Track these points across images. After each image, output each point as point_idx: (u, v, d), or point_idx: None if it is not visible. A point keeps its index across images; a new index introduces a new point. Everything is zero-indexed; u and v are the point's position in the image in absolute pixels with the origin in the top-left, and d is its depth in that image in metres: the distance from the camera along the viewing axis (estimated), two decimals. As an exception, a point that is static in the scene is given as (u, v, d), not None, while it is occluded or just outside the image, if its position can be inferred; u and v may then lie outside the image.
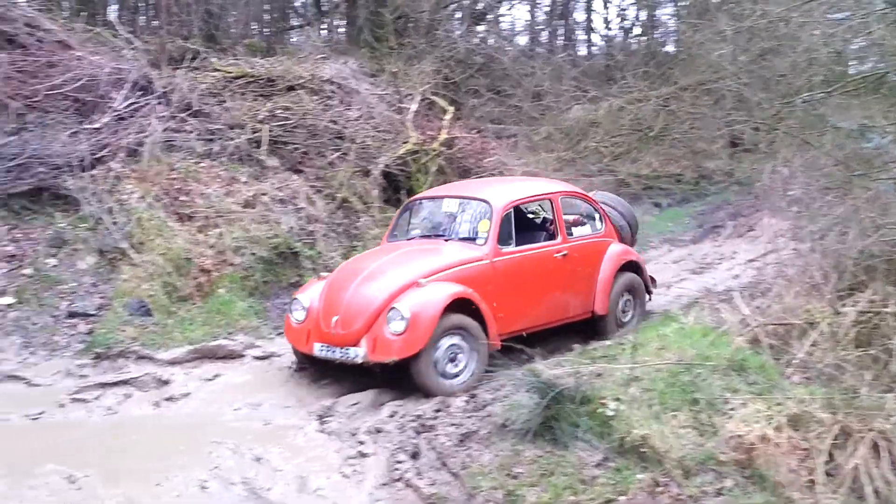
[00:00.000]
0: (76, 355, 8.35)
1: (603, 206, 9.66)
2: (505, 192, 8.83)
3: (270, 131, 12.18)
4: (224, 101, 12.65)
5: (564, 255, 8.71)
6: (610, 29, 24.21)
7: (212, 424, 7.08)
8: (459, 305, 7.63)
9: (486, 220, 8.27)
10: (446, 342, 7.52)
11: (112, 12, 16.85)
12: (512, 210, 8.47)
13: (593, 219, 9.41)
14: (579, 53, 23.36)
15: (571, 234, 8.98)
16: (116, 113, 11.38)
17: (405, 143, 13.00)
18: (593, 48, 24.30)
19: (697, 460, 5.71)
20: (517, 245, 8.37)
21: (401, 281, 7.73)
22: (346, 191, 11.84)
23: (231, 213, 10.52)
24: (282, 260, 10.39)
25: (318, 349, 7.68)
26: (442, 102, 14.84)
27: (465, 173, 13.41)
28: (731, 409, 6.09)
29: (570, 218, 9.29)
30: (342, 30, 20.17)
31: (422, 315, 7.36)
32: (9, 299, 8.86)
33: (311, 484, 6.13)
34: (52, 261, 9.45)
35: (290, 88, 13.34)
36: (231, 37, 17.26)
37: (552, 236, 8.83)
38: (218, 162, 11.45)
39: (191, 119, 11.95)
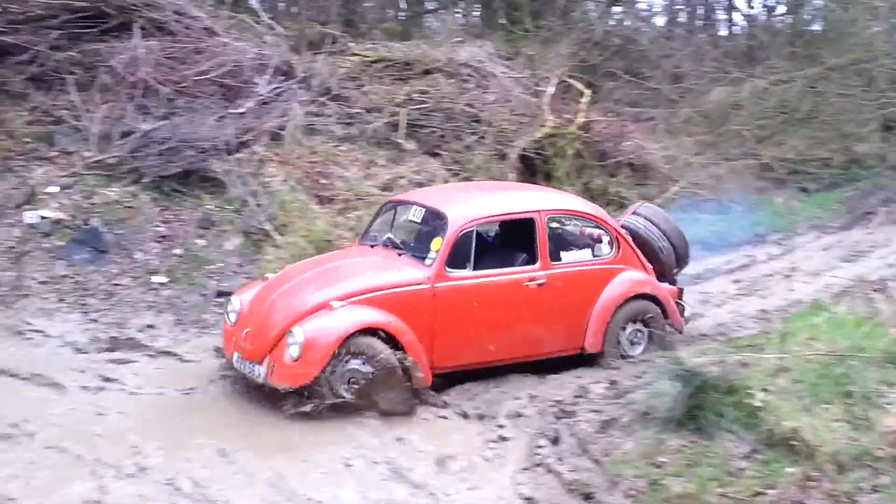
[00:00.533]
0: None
1: (642, 223, 8.69)
2: (472, 206, 7.79)
3: (408, 115, 12.38)
4: (362, 86, 12.93)
5: (541, 283, 7.61)
6: (752, 7, 23.47)
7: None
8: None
9: (439, 238, 7.39)
10: (350, 367, 6.85)
11: (254, -1, 17.35)
12: (473, 229, 7.46)
13: (599, 242, 8.23)
14: (720, 33, 22.75)
15: (559, 260, 7.82)
16: (260, 97, 11.80)
17: (542, 126, 12.98)
18: (734, 28, 23.60)
19: (852, 455, 5.54)
20: (476, 269, 7.41)
21: (315, 300, 7.09)
22: (483, 174, 11.93)
23: (370, 196, 10.77)
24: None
25: (235, 359, 7.22)
26: (578, 85, 14.73)
27: (602, 157, 13.34)
28: (888, 404, 5.89)
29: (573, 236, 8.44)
30: (477, 13, 20.25)
31: (316, 344, 6.74)
32: (162, 278, 9.35)
33: (452, 466, 6.25)
34: (201, 241, 9.91)
35: (427, 72, 13.50)
36: (368, 21, 17.57)
37: (533, 260, 7.72)
38: (357, 145, 11.73)
39: (330, 103, 12.29)
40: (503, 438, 6.61)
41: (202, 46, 12.30)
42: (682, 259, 8.89)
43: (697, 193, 13.24)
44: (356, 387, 6.79)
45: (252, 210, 10.18)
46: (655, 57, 18.57)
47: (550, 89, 14.00)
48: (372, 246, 8.02)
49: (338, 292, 7.13)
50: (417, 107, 12.63)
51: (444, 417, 7.04)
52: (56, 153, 10.78)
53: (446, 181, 11.51)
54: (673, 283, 8.80)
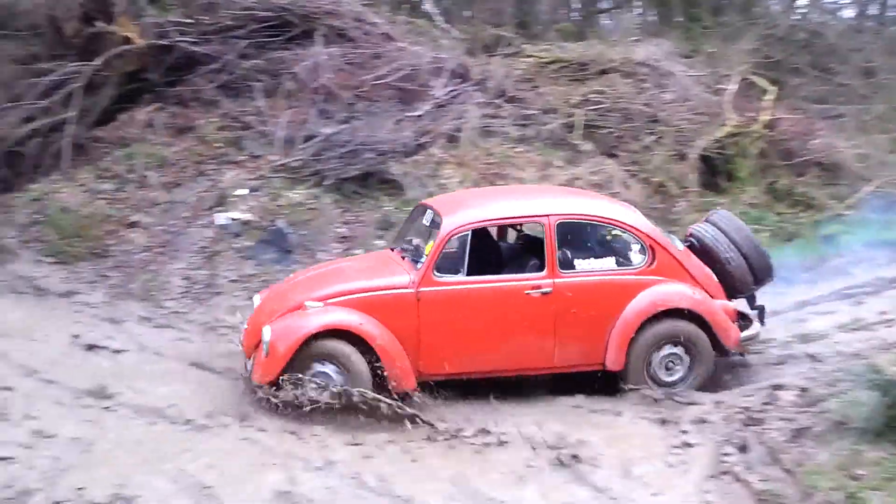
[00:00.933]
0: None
1: (710, 231, 7.91)
2: (472, 210, 7.50)
3: (584, 116, 12.31)
4: (538, 87, 12.95)
5: (546, 292, 7.13)
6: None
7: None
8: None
9: (432, 242, 7.18)
10: (316, 370, 6.83)
11: (428, 3, 17.68)
12: (468, 233, 7.16)
13: (629, 250, 7.53)
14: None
15: (571, 268, 7.27)
16: (436, 101, 12.02)
17: (723, 125, 12.62)
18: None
19: None
20: (475, 275, 7.13)
21: (295, 301, 7.14)
22: (662, 175, 11.72)
23: (546, 198, 10.76)
24: (600, 245, 10.48)
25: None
26: (762, 82, 14.23)
27: (788, 156, 12.82)
28: None
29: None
30: (654, 11, 19.91)
31: (278, 343, 6.76)
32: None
33: (635, 470, 6.16)
34: (380, 242, 10.16)
35: (603, 72, 13.38)
36: (541, 23, 17.59)
37: (542, 267, 7.25)
38: (532, 147, 11.76)
39: (506, 105, 12.37)
40: (687, 445, 6.44)
41: (380, 52, 12.67)
42: (759, 273, 7.88)
43: (894, 193, 12.52)
44: (327, 391, 6.68)
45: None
46: (844, 51, 17.70)
47: (732, 87, 13.59)
48: (392, 249, 8.01)
49: (319, 293, 7.15)
50: (594, 107, 12.53)
51: (626, 421, 6.93)
52: (244, 157, 11.35)
53: (624, 183, 11.38)
54: (752, 300, 8.01)
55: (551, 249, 7.18)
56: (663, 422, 6.88)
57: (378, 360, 6.87)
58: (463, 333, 7.12)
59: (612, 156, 11.96)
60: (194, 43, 12.60)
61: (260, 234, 10.17)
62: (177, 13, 13.71)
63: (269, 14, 12.99)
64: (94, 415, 6.59)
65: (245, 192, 10.68)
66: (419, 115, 11.73)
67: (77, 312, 8.99)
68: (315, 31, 12.77)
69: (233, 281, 9.61)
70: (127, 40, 12.33)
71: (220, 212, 10.39)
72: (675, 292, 7.30)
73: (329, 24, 12.93)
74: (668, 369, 7.37)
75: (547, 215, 7.25)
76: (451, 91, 12.20)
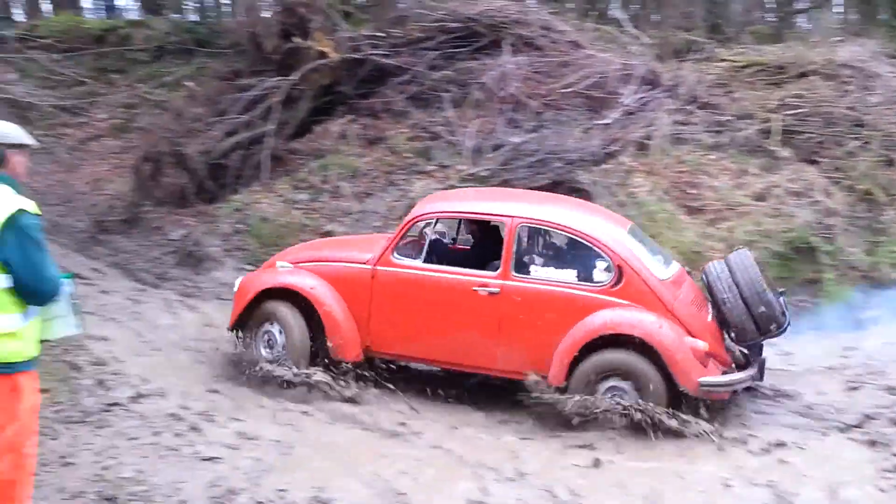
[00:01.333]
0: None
1: (718, 269, 7.34)
2: (444, 202, 7.96)
3: (782, 121, 11.86)
4: (732, 92, 12.58)
5: (493, 293, 7.04)
6: None
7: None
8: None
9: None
10: (265, 328, 7.59)
11: (616, 9, 17.56)
12: (432, 222, 7.49)
13: (593, 266, 7.06)
14: None
15: (527, 273, 7.08)
16: (625, 108, 11.90)
17: (936, 128, 11.87)
18: None
19: None
20: (429, 263, 7.27)
21: (275, 260, 8.02)
22: (868, 182, 11.12)
23: (741, 206, 10.46)
24: (797, 255, 10.07)
25: None
26: (980, 82, 13.30)
27: None
28: None
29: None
30: (855, 10, 19.00)
31: (240, 292, 7.68)
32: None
33: (843, 494, 5.86)
34: (568, 251, 10.14)
35: (802, 75, 12.83)
36: (735, 25, 17.09)
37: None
38: (727, 153, 11.43)
39: (698, 111, 12.08)
40: (900, 468, 6.10)
41: (568, 60, 12.68)
42: (761, 322, 7.12)
43: None
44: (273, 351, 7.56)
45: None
46: None
47: (950, 87, 12.76)
48: None
49: (296, 256, 7.91)
50: (792, 112, 12.04)
51: (830, 441, 6.63)
52: (433, 167, 11.61)
53: (825, 191, 10.87)
54: (757, 349, 7.28)
55: (507, 251, 7.10)
56: (872, 443, 6.54)
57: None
58: (410, 317, 7.29)
59: (812, 162, 11.45)
60: (385, 56, 13.03)
61: (448, 241, 10.34)
62: (369, 27, 14.25)
63: (458, 25, 13.27)
64: (293, 419, 6.86)
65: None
66: (608, 123, 11.65)
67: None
68: (503, 40, 12.93)
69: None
70: (322, 55, 12.88)
71: (410, 220, 10.63)
72: (631, 318, 6.80)
73: (517, 33, 13.07)
74: (616, 389, 6.82)
75: (511, 217, 7.20)
76: (641, 98, 12.04)
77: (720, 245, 9.86)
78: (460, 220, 8.20)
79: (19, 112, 12.80)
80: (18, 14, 19.13)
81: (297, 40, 12.98)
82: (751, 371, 7.12)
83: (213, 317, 9.30)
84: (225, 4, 19.68)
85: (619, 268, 6.93)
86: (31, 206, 4.07)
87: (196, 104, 13.60)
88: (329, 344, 7.34)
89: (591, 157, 11.07)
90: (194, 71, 15.40)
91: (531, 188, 10.79)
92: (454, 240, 8.41)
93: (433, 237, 7.54)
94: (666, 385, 6.70)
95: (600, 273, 7.02)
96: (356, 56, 13.04)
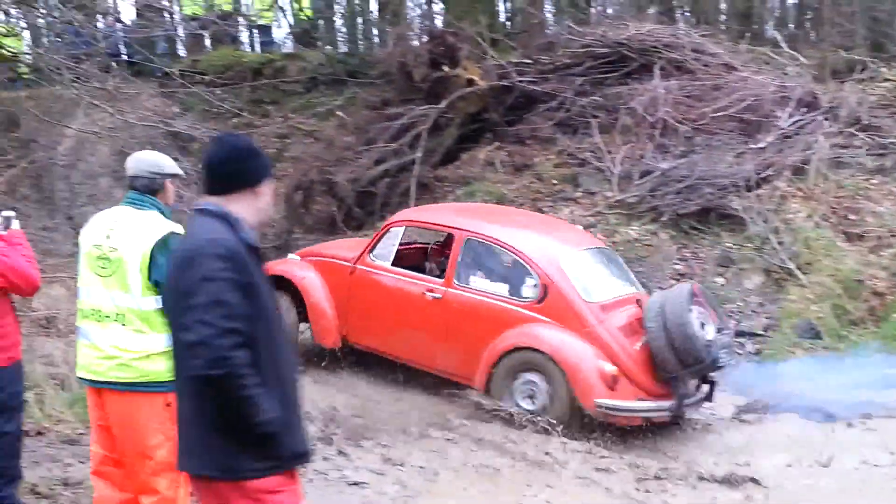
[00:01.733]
0: (745, 374, 8.62)
1: (658, 299, 7.39)
2: (416, 212, 9.23)
3: (951, 143, 11.30)
4: (896, 113, 12.07)
5: (436, 297, 7.72)
6: None
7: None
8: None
9: None
10: None
11: (772, 29, 17.11)
12: (402, 229, 8.29)
13: (523, 283, 7.52)
14: None
15: (467, 283, 7.65)
16: (781, 131, 11.57)
17: None
18: None
19: None
20: (398, 266, 8.10)
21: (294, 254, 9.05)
22: None
23: (906, 233, 10.00)
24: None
25: None
26: None
27: None
28: None
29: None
30: None
31: None
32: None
33: None
34: (720, 279, 9.94)
35: (974, 94, 12.23)
36: (900, 43, 16.37)
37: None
38: (891, 178, 10.97)
39: (860, 133, 11.63)
40: None
41: (721, 83, 12.44)
42: (683, 357, 7.10)
43: None
44: None
45: (773, 248, 9.98)
46: None
47: None
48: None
49: (310, 251, 8.93)
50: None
51: None
52: (580, 193, 11.58)
53: None
54: (671, 383, 7.24)
55: (452, 261, 7.78)
56: None
57: None
58: (377, 314, 8.09)
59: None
60: (533, 82, 13.10)
61: (595, 269, 10.28)
62: (517, 54, 14.35)
63: (607, 50, 13.22)
64: (438, 445, 6.94)
65: (579, 228, 10.85)
66: (762, 147, 11.34)
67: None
68: (653, 64, 12.78)
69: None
70: (470, 83, 13.06)
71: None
72: (543, 335, 7.28)
73: (667, 56, 12.91)
74: (531, 398, 7.30)
75: (460, 230, 7.90)
76: (798, 120, 11.68)
77: (883, 273, 9.48)
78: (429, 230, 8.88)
79: (180, 144, 13.47)
80: (180, 49, 20.19)
81: (446, 69, 13.20)
82: (666, 403, 7.19)
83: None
84: (375, 36, 20.22)
85: (546, 286, 7.39)
86: (180, 229, 4.29)
87: (346, 133, 14.00)
88: (311, 328, 8.28)
89: (744, 183, 10.80)
90: (345, 101, 15.85)
91: (680, 215, 10.68)
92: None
93: (406, 242, 8.43)
94: (569, 399, 7.12)
95: (528, 289, 7.53)
96: (504, 83, 13.15)
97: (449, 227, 8.18)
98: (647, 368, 7.28)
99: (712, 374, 7.54)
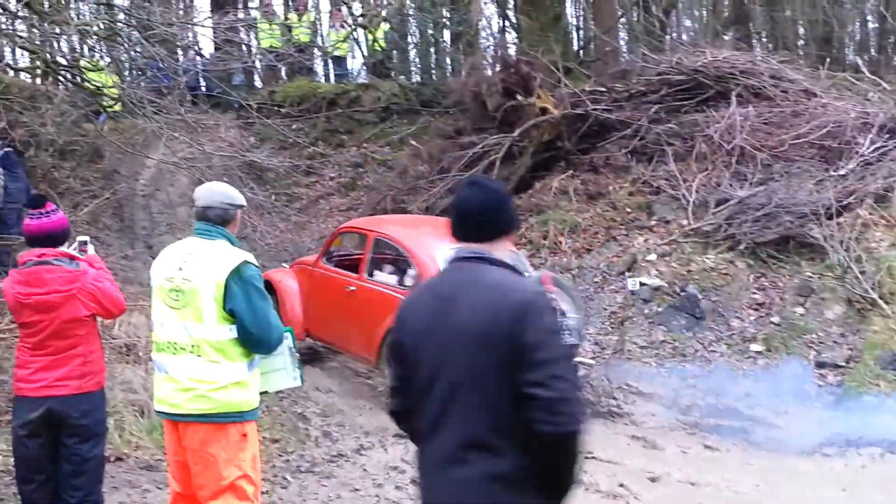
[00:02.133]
0: (826, 407, 8.47)
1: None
2: (357, 220, 11.01)
3: None
4: None
5: (353, 290, 8.94)
6: None
7: None
8: None
9: None
10: None
11: (853, 55, 16.88)
12: (344, 233, 10.07)
13: (406, 273, 8.77)
14: None
15: (371, 276, 8.93)
16: (863, 158, 11.38)
17: None
18: None
19: None
20: (336, 266, 9.40)
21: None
22: None
23: None
24: None
25: None
26: None
27: None
28: None
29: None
30: None
31: None
32: (759, 346, 9.42)
33: None
34: (800, 309, 9.77)
35: None
36: None
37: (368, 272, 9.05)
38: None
39: (947, 160, 11.34)
40: None
41: (800, 109, 12.30)
42: None
43: None
44: None
45: (856, 277, 9.78)
46: None
47: None
48: None
49: (299, 259, 10.53)
50: None
51: None
52: (655, 222, 11.51)
53: None
54: None
55: (364, 257, 9.08)
56: None
57: None
58: (321, 307, 9.33)
59: None
60: (607, 110, 13.10)
61: (670, 299, 10.21)
62: (590, 83, 14.38)
63: (683, 77, 13.16)
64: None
65: (654, 257, 10.80)
66: (843, 175, 11.16)
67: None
68: (730, 91, 12.69)
69: (642, 347, 9.74)
70: (543, 111, 13.12)
71: (630, 277, 10.58)
72: None
73: (744, 83, 12.81)
74: None
75: (371, 231, 9.25)
76: (880, 147, 11.46)
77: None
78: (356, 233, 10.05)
79: (256, 175, 13.79)
80: (257, 81, 20.67)
81: (520, 97, 13.29)
82: None
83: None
84: (448, 65, 20.44)
85: (421, 275, 8.36)
86: (251, 257, 4.41)
87: (420, 162, 14.17)
88: (291, 322, 9.13)
89: (825, 211, 10.61)
90: (419, 130, 16.05)
91: (758, 243, 10.55)
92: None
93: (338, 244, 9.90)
94: None
95: (410, 279, 8.67)
96: (577, 111, 13.17)
97: (364, 229, 9.53)
98: None
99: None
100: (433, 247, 8.41)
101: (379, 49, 18.48)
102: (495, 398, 2.79)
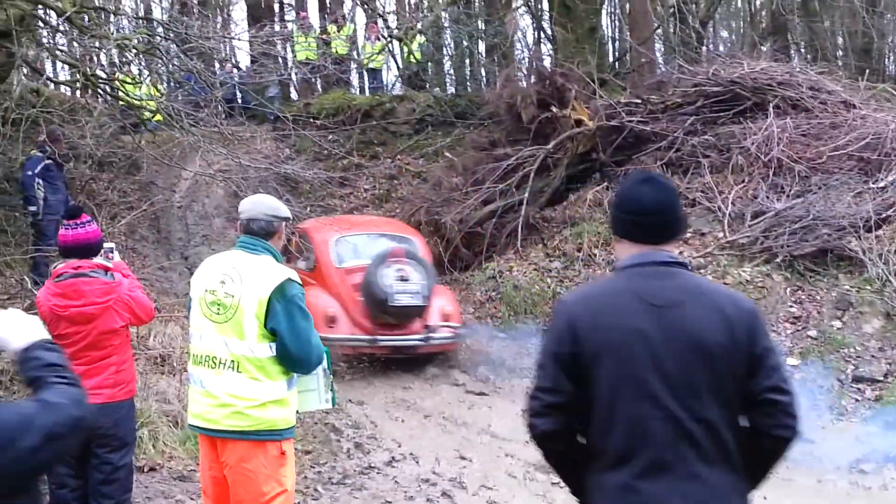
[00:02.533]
0: (863, 422, 8.37)
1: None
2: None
3: None
4: None
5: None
6: None
7: None
8: None
9: None
10: None
11: (893, 66, 16.73)
12: (295, 232, 10.66)
13: (309, 259, 10.69)
14: None
15: (296, 265, 10.04)
16: (903, 171, 11.24)
17: None
18: None
19: None
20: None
21: None
22: None
23: None
24: None
25: None
26: None
27: None
28: None
29: None
30: None
31: None
32: (795, 360, 9.33)
33: None
34: (837, 323, 9.67)
35: None
36: None
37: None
38: None
39: None
40: None
41: (839, 121, 12.19)
42: (368, 299, 10.02)
43: None
44: None
45: (894, 290, 9.67)
46: None
47: None
48: None
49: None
50: None
51: None
52: (690, 234, 11.45)
53: None
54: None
55: (297, 250, 10.67)
56: None
57: None
58: None
59: None
60: (642, 122, 13.09)
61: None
62: (626, 94, 14.37)
63: (719, 89, 13.11)
64: (544, 488, 6.94)
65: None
66: (882, 187, 11.04)
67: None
68: (767, 103, 12.61)
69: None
70: (578, 123, 13.13)
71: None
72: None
73: (782, 94, 12.73)
74: None
75: (301, 228, 10.85)
76: (922, 159, 11.35)
77: None
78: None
79: (291, 186, 13.91)
80: (292, 93, 20.89)
81: (554, 109, 13.32)
82: (366, 337, 9.94)
83: (464, 384, 9.65)
84: (483, 77, 20.51)
85: (317, 259, 10.50)
86: (294, 275, 4.34)
87: (454, 174, 14.23)
88: None
89: (864, 223, 10.50)
90: (453, 142, 16.13)
91: (795, 256, 10.46)
92: None
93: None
94: None
95: (310, 263, 10.57)
96: (612, 123, 13.17)
97: (299, 228, 10.77)
98: (364, 313, 10.01)
99: (422, 318, 10.08)
100: (330, 234, 10.70)
101: (414, 61, 18.60)
102: (733, 407, 2.75)
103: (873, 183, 11.18)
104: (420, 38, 18.33)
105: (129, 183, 14.17)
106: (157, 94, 11.76)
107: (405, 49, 18.33)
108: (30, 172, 10.11)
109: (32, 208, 10.18)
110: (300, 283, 4.38)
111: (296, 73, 17.79)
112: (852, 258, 10.27)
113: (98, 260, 5.09)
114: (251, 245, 4.37)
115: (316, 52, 17.10)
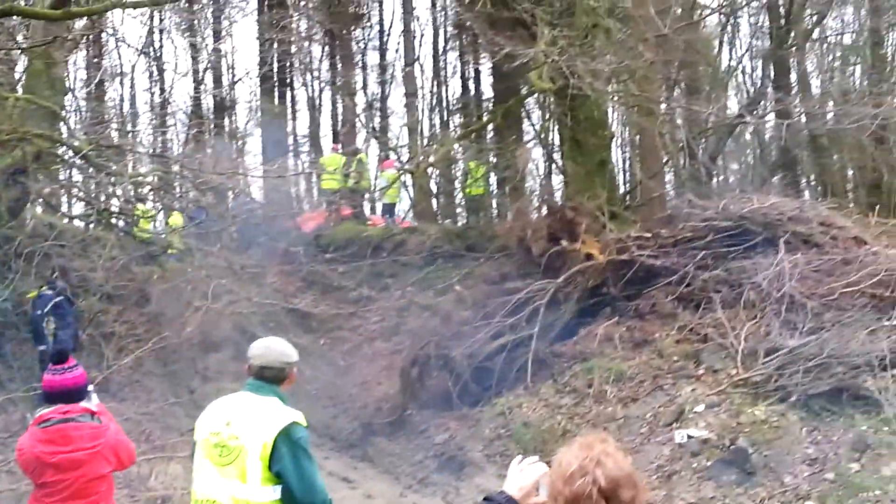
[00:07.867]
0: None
1: None
2: None
3: None
4: None
5: None
6: None
7: None
8: None
9: None
10: None
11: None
12: None
13: None
14: None
15: None
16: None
17: None
18: None
19: None
20: None
21: None
22: None
23: None
24: None
25: None
26: None
27: None
28: None
29: None
30: None
31: None
32: (813, 504, 9.18)
33: None
34: (855, 465, 9.54)
35: None
36: None
37: None
38: None
39: None
40: None
41: (850, 257, 12.30)
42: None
43: None
44: None
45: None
46: None
47: None
48: None
49: None
50: None
51: None
52: (703, 371, 11.44)
53: None
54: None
55: None
56: None
57: None
58: None
59: None
60: (653, 256, 13.22)
61: (719, 453, 10.04)
62: (636, 228, 14.57)
63: (729, 224, 13.28)
64: None
65: (702, 407, 10.70)
66: (896, 325, 11.07)
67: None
68: (778, 238, 12.75)
69: (690, 503, 9.55)
70: (589, 256, 13.28)
71: (678, 428, 10.47)
72: None
73: (793, 230, 12.88)
74: None
75: None
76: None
77: None
78: None
79: (301, 320, 14.04)
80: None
81: (564, 243, 13.49)
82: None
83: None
84: (493, 209, 20.85)
85: None
86: (300, 418, 4.37)
87: (464, 307, 14.33)
88: None
89: (879, 362, 10.47)
90: (463, 275, 16.28)
91: (811, 395, 10.40)
92: None
93: None
94: None
95: None
96: (623, 257, 13.32)
97: None
98: None
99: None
100: None
101: (425, 193, 18.97)
102: None
103: (887, 320, 11.19)
104: (431, 172, 18.75)
105: (136, 314, 14.29)
106: (180, 225, 12.03)
107: (417, 182, 18.72)
108: (39, 311, 10.25)
109: (41, 347, 10.29)
110: (306, 425, 4.41)
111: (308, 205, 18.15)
112: (868, 398, 10.20)
113: (84, 404, 5.05)
114: (259, 388, 4.42)
115: (340, 182, 17.49)
